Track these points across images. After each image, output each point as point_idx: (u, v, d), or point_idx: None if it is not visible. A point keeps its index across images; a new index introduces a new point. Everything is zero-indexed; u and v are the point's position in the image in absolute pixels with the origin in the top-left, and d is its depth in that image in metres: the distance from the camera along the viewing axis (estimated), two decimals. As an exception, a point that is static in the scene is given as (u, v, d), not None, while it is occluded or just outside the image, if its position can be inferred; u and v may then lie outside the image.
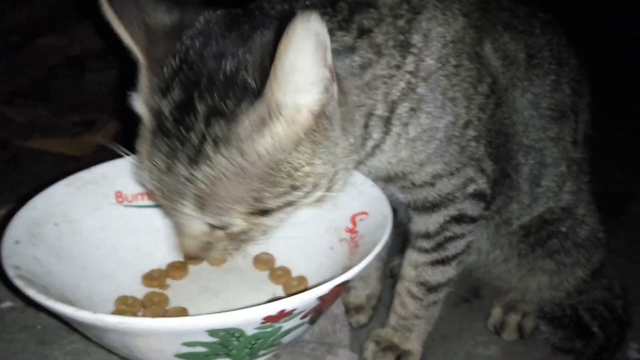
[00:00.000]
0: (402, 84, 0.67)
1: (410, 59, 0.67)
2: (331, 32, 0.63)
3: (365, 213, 0.72)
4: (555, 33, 0.86)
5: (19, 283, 0.56)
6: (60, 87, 1.73)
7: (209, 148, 0.56)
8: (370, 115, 0.68)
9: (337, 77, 0.60)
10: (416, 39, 0.67)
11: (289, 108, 0.55)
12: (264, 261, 0.82)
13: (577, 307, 0.98)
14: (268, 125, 0.55)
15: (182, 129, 0.56)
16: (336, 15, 0.64)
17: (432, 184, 0.75)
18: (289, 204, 0.61)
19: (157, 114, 0.59)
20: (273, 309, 0.51)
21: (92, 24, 1.77)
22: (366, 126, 0.68)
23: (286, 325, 0.56)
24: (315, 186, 0.61)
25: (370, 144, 0.70)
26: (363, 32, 0.65)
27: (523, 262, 0.93)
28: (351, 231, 0.74)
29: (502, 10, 0.79)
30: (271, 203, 0.59)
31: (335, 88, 0.58)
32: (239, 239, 0.63)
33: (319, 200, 0.63)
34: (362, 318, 1.02)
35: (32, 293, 0.54)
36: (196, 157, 0.56)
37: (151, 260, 0.81)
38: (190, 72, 0.58)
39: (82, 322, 0.53)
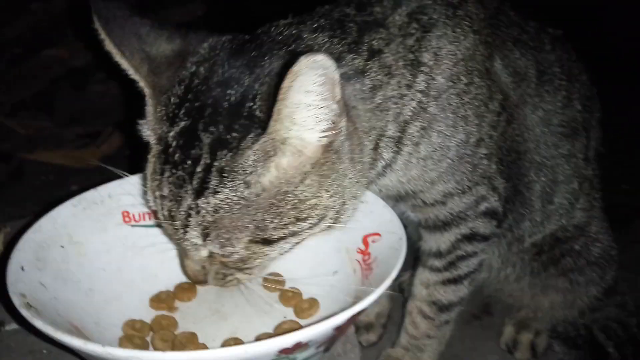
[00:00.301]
0: (414, 104, 0.66)
1: (421, 77, 0.66)
2: (341, 55, 0.62)
3: (377, 234, 0.71)
4: (565, 49, 0.85)
5: (25, 313, 0.54)
6: (64, 99, 1.72)
7: (214, 179, 0.55)
8: (380, 136, 0.67)
9: (346, 106, 0.59)
10: (427, 57, 0.66)
11: (294, 144, 0.55)
12: (273, 282, 0.80)
13: (591, 326, 0.96)
14: (273, 159, 0.55)
15: (187, 160, 0.56)
16: (346, 37, 0.63)
17: (443, 203, 0.73)
18: (293, 234, 0.60)
19: (164, 144, 0.58)
20: (289, 340, 0.50)
21: (95, 36, 1.78)
22: (376, 148, 0.67)
23: (301, 355, 0.54)
24: (321, 218, 0.60)
25: (381, 164, 0.69)
26: (373, 54, 0.64)
27: (536, 281, 0.92)
28: (363, 252, 0.72)
29: (511, 26, 0.78)
30: (274, 233, 0.59)
31: (344, 121, 0.57)
32: (236, 266, 0.63)
33: (326, 230, 0.63)
34: (372, 336, 1.01)
35: (39, 324, 0.52)
36: (201, 188, 0.56)
37: (157, 281, 0.79)
38: (195, 101, 0.58)
39: (91, 355, 0.51)
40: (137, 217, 0.79)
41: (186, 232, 0.58)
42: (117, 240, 0.77)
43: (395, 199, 0.75)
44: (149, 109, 0.62)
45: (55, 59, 1.73)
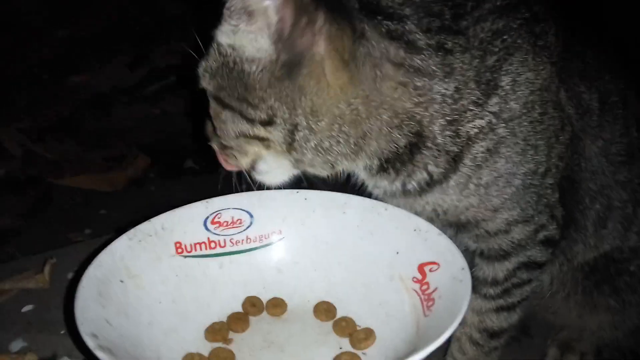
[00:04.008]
0: (482, 122, 0.66)
1: (495, 100, 0.66)
2: (402, 17, 0.64)
3: (435, 263, 0.71)
4: (621, 75, 0.85)
5: (101, 355, 0.54)
6: (89, 123, 1.74)
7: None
8: (420, 138, 0.66)
9: (368, 49, 0.62)
10: (505, 81, 0.66)
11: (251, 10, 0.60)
12: (324, 311, 0.79)
13: (638, 351, 0.95)
14: (240, 26, 0.61)
15: None
16: (432, 22, 0.65)
17: (506, 232, 0.73)
18: (242, 115, 0.65)
19: None
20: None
21: (119, 61, 1.80)
22: (413, 147, 0.67)
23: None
24: (269, 119, 0.64)
25: (421, 175, 0.69)
26: (440, 48, 0.64)
27: (587, 300, 0.91)
28: (420, 282, 0.71)
29: (576, 59, 0.78)
30: (225, 98, 0.65)
31: (297, 22, 0.59)
32: (220, 129, 0.69)
33: (296, 157, 0.66)
34: (415, 361, 1.00)
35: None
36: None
37: (210, 311, 0.79)
38: None
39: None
40: (189, 248, 0.79)
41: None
42: (171, 272, 0.77)
43: (457, 228, 0.75)
44: None
45: (80, 84, 1.76)
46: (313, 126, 0.64)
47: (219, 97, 0.66)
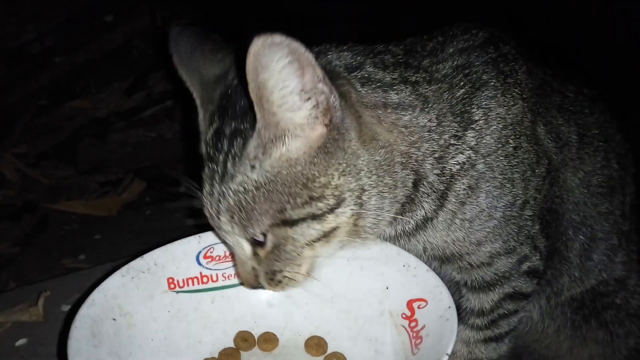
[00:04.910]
0: (463, 158, 0.68)
1: (471, 134, 0.68)
2: (362, 63, 0.67)
3: (423, 300, 0.72)
4: (601, 109, 0.87)
5: (92, 399, 0.55)
6: (86, 148, 1.75)
7: (229, 165, 0.61)
8: (418, 176, 0.68)
9: (360, 98, 0.63)
10: (478, 115, 0.68)
11: (287, 127, 0.58)
12: (315, 346, 0.80)
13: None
14: (274, 143, 0.59)
15: (216, 151, 0.63)
16: (381, 60, 0.68)
17: (489, 264, 0.75)
18: (313, 217, 0.62)
19: (205, 146, 0.65)
20: None
21: (117, 87, 1.82)
22: (415, 186, 0.68)
23: None
24: (339, 200, 0.62)
25: (420, 213, 0.70)
26: (406, 81, 0.67)
27: (577, 333, 0.92)
28: (409, 318, 0.72)
29: (554, 94, 0.80)
30: (293, 214, 0.61)
31: (335, 98, 0.59)
32: (278, 259, 0.65)
33: (357, 228, 0.64)
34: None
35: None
36: (223, 174, 0.62)
37: (202, 347, 0.79)
38: (226, 104, 0.64)
39: None
40: (181, 283, 0.80)
41: (219, 218, 0.63)
42: (163, 308, 0.78)
43: (441, 261, 0.76)
44: (200, 118, 0.70)
45: (78, 110, 1.78)
46: (374, 183, 0.64)
47: (283, 221, 0.62)
